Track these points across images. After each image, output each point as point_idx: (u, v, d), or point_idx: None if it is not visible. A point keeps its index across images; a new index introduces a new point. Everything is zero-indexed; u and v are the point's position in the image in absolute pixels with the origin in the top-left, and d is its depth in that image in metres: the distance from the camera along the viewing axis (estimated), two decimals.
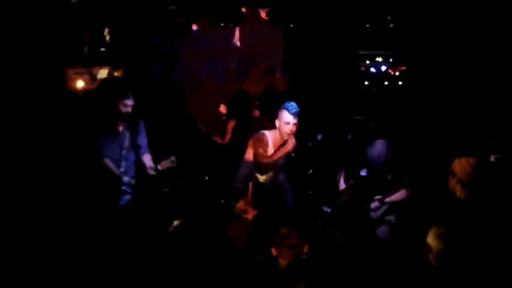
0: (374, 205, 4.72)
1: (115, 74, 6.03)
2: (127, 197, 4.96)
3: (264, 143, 4.73)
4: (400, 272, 3.59)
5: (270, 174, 4.84)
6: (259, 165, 4.78)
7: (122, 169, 4.83)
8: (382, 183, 4.78)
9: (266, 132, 4.77)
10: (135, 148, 4.91)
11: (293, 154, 4.91)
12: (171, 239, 3.42)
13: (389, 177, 4.80)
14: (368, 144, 4.91)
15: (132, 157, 4.91)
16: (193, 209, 5.35)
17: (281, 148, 4.70)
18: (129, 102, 4.81)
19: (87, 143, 4.87)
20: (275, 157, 4.70)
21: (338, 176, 5.18)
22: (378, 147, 4.78)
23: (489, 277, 3.07)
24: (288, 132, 4.64)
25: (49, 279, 4.08)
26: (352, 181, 4.97)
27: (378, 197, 4.71)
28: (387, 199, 4.71)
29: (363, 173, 4.96)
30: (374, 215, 4.76)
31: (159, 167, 4.87)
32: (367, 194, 4.79)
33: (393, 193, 4.70)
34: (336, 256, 4.33)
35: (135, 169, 4.97)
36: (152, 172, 4.86)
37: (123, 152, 4.85)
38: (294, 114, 4.64)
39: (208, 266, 3.35)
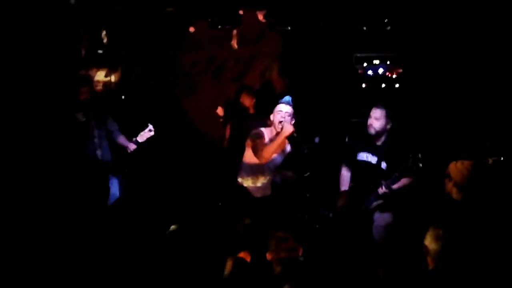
0: (381, 190, 4.52)
1: (112, 76, 6.03)
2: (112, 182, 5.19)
3: (260, 135, 4.73)
4: (398, 274, 3.60)
5: (267, 177, 4.83)
6: (250, 165, 4.75)
7: (99, 157, 5.04)
8: (377, 172, 4.72)
9: (262, 128, 4.79)
10: (108, 134, 5.15)
11: (289, 149, 4.87)
12: (168, 242, 3.43)
13: (384, 167, 4.72)
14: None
15: (106, 144, 5.15)
16: (190, 212, 5.35)
17: (277, 135, 4.63)
18: (84, 89, 5.03)
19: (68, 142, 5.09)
20: (273, 147, 4.65)
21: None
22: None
23: (487, 278, 3.09)
24: (280, 119, 4.65)
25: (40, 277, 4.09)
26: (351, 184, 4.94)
27: (384, 182, 4.50)
28: (395, 186, 4.51)
29: (360, 157, 4.82)
30: (375, 203, 4.64)
31: (138, 139, 5.10)
32: (364, 183, 4.70)
33: (398, 179, 4.51)
34: (333, 259, 4.35)
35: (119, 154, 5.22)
36: (133, 147, 5.08)
37: (95, 140, 5.06)
38: (286, 102, 4.72)
39: (204, 269, 3.36)
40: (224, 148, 6.15)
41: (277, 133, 4.64)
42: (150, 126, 5.12)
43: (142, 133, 5.12)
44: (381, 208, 4.64)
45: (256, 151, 4.67)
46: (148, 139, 5.13)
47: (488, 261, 3.23)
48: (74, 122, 5.07)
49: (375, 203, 4.64)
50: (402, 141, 4.76)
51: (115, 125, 5.22)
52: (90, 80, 5.40)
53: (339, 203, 4.84)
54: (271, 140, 4.67)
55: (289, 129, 4.58)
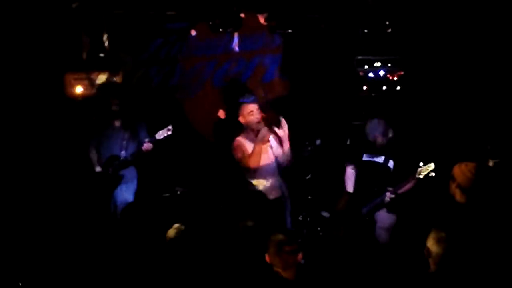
0: (388, 196, 4.52)
1: (114, 79, 6.04)
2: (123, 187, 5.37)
3: (239, 146, 4.71)
4: (400, 276, 3.60)
5: (269, 180, 4.82)
6: (248, 170, 4.73)
7: (123, 157, 5.37)
8: (384, 172, 4.71)
9: (237, 138, 4.77)
10: (138, 142, 5.37)
11: (275, 148, 4.82)
12: (172, 244, 3.43)
13: (391, 166, 4.72)
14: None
15: (133, 147, 5.38)
16: (193, 214, 5.35)
17: (257, 140, 4.62)
18: (116, 101, 5.37)
19: (82, 144, 5.42)
20: (256, 152, 4.61)
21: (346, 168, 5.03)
22: (374, 122, 4.76)
23: (488, 281, 3.08)
24: (256, 120, 4.66)
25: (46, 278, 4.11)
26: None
27: (391, 188, 4.52)
28: (401, 190, 4.52)
29: (366, 158, 4.82)
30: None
31: (156, 137, 5.33)
32: (370, 184, 4.69)
33: (404, 184, 4.51)
34: (334, 261, 4.34)
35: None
36: (148, 145, 5.30)
37: (124, 142, 5.36)
38: (253, 102, 4.75)
39: (208, 270, 3.36)
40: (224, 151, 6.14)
41: (256, 134, 4.63)
42: (170, 126, 5.34)
43: (160, 131, 5.33)
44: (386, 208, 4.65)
45: (242, 163, 4.68)
46: (166, 138, 5.33)
47: (490, 264, 3.22)
48: (109, 128, 5.41)
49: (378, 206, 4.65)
50: (409, 140, 4.76)
51: (146, 136, 5.42)
52: (117, 93, 5.62)
53: (340, 205, 4.84)
54: (252, 141, 4.66)
55: (265, 136, 4.59)
